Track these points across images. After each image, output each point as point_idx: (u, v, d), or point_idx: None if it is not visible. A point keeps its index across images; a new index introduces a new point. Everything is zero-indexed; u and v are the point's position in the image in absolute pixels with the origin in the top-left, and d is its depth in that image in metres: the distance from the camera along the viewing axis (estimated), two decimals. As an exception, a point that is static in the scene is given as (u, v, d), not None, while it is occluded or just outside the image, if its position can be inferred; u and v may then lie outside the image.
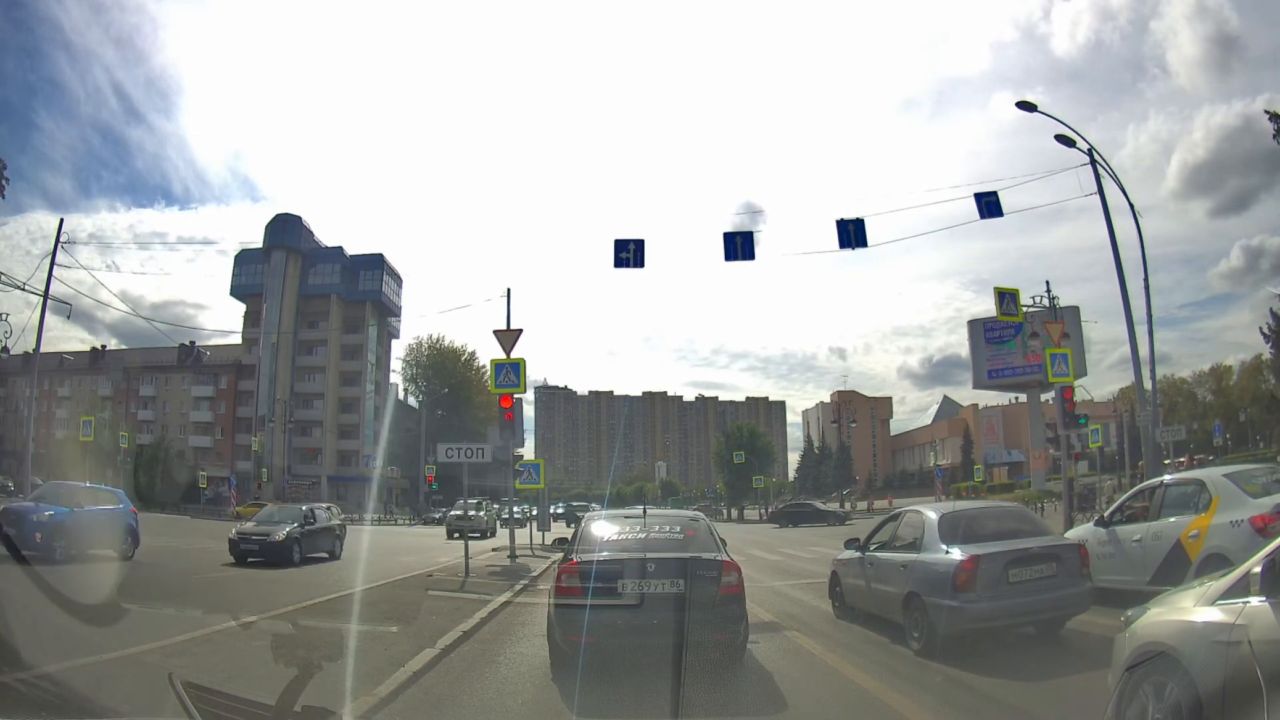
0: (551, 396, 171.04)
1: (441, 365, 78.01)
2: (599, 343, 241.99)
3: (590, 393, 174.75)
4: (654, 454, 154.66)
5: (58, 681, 3.95)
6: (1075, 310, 52.08)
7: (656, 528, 7.13)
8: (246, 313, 74.13)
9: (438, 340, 79.95)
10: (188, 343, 71.28)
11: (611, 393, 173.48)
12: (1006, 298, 17.78)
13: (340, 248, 76.50)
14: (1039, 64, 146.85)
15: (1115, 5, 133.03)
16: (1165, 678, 3.31)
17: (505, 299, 18.27)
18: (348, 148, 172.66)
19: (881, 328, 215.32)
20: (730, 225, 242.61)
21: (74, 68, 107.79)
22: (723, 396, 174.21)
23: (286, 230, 73.01)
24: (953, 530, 7.39)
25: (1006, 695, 5.64)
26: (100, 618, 6.98)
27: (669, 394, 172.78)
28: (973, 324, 65.46)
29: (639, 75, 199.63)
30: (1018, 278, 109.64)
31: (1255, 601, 3.03)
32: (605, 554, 6.63)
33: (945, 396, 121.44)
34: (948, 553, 7.04)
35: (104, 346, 78.92)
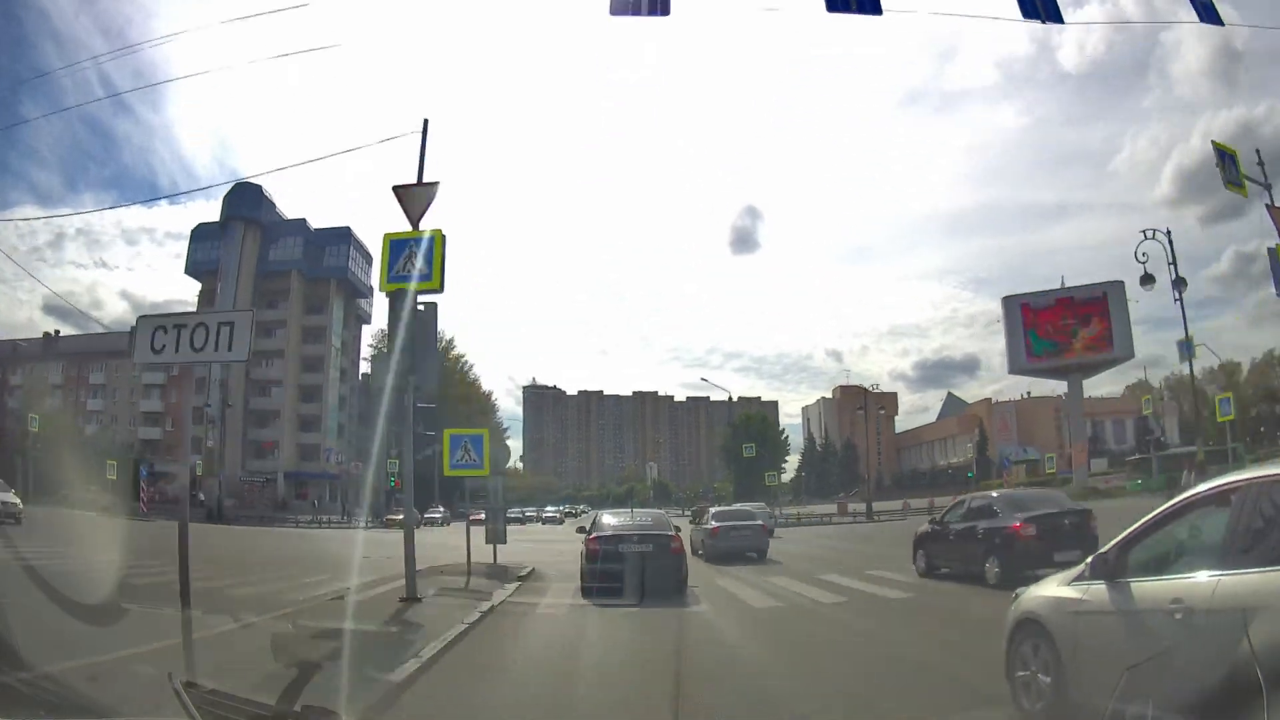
0: (540, 396, 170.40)
1: (414, 352, 75.30)
2: (590, 342, 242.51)
3: (580, 392, 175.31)
4: (644, 454, 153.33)
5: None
6: (1120, 285, 50.01)
7: (639, 518, 14.60)
8: (201, 292, 70.79)
9: (410, 325, 77.22)
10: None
11: (601, 393, 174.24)
12: (1227, 158, 15.71)
13: (303, 220, 73.33)
14: (1046, 65, 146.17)
15: (1129, 13, 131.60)
16: (1037, 639, 4.95)
17: (420, 136, 12.52)
18: (345, 145, 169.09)
19: (878, 327, 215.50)
20: (728, 223, 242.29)
21: (62, 58, 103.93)
22: (714, 396, 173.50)
23: (245, 200, 68.05)
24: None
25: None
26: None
27: (660, 394, 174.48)
28: (1008, 301, 57.71)
29: (639, 71, 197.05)
30: (1018, 276, 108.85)
31: (1091, 584, 4.64)
32: (609, 532, 13.35)
33: (949, 394, 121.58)
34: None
35: (57, 332, 75.27)
